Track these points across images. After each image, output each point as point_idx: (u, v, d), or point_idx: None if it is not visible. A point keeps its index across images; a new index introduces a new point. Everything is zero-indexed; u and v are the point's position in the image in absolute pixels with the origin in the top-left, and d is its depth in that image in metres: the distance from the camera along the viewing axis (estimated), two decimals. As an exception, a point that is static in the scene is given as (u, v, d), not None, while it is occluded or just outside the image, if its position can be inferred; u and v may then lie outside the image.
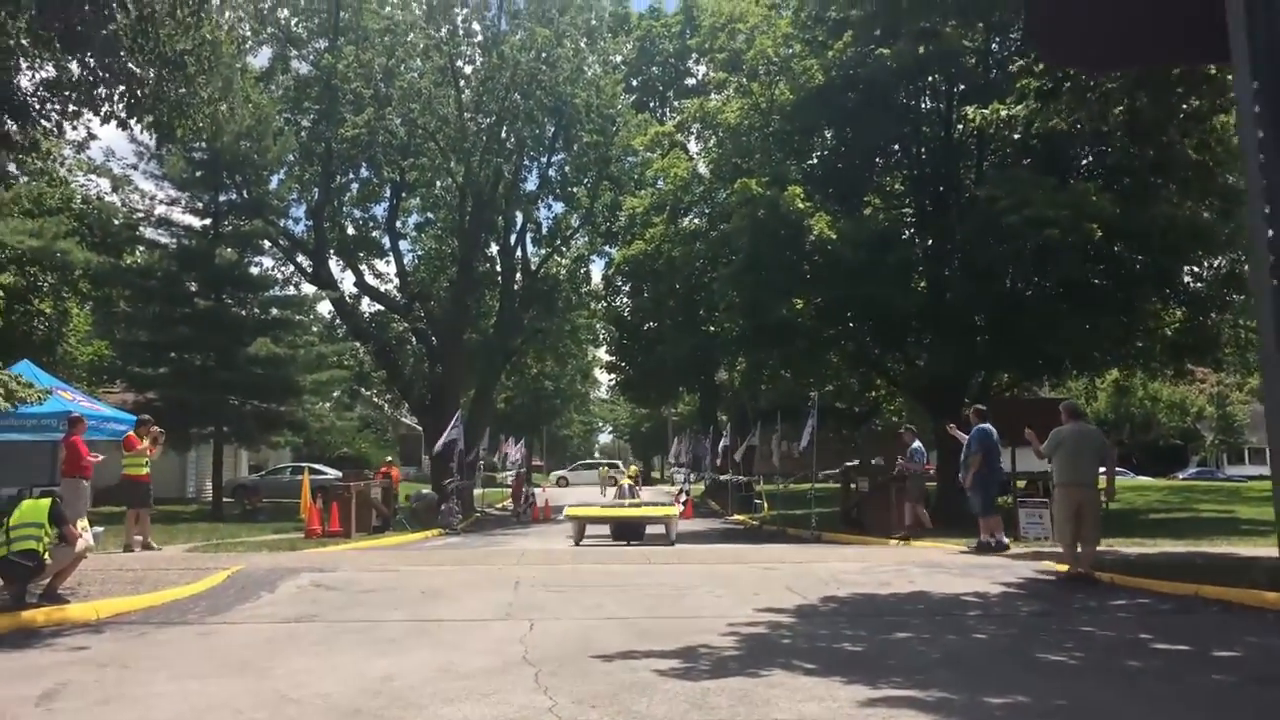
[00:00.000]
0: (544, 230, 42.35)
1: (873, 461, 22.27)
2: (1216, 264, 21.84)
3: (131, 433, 16.65)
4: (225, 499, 29.18)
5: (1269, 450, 1.15)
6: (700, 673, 6.79)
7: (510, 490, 36.04)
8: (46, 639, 8.39)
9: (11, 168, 22.99)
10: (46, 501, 9.47)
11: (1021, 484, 19.68)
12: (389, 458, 28.81)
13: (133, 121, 12.24)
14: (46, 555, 9.28)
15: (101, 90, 11.95)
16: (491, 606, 9.77)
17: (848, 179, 23.40)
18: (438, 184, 39.58)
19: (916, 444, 18.74)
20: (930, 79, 22.70)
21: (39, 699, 6.20)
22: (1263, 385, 1.12)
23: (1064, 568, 12.01)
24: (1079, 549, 11.63)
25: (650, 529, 19.54)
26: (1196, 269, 21.92)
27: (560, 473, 68.18)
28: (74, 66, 11.82)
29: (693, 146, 34.45)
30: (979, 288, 21.37)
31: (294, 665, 7.20)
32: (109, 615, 9.37)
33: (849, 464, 24.60)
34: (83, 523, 14.49)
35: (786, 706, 5.86)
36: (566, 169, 40.40)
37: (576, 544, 18.66)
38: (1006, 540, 15.25)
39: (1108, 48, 1.31)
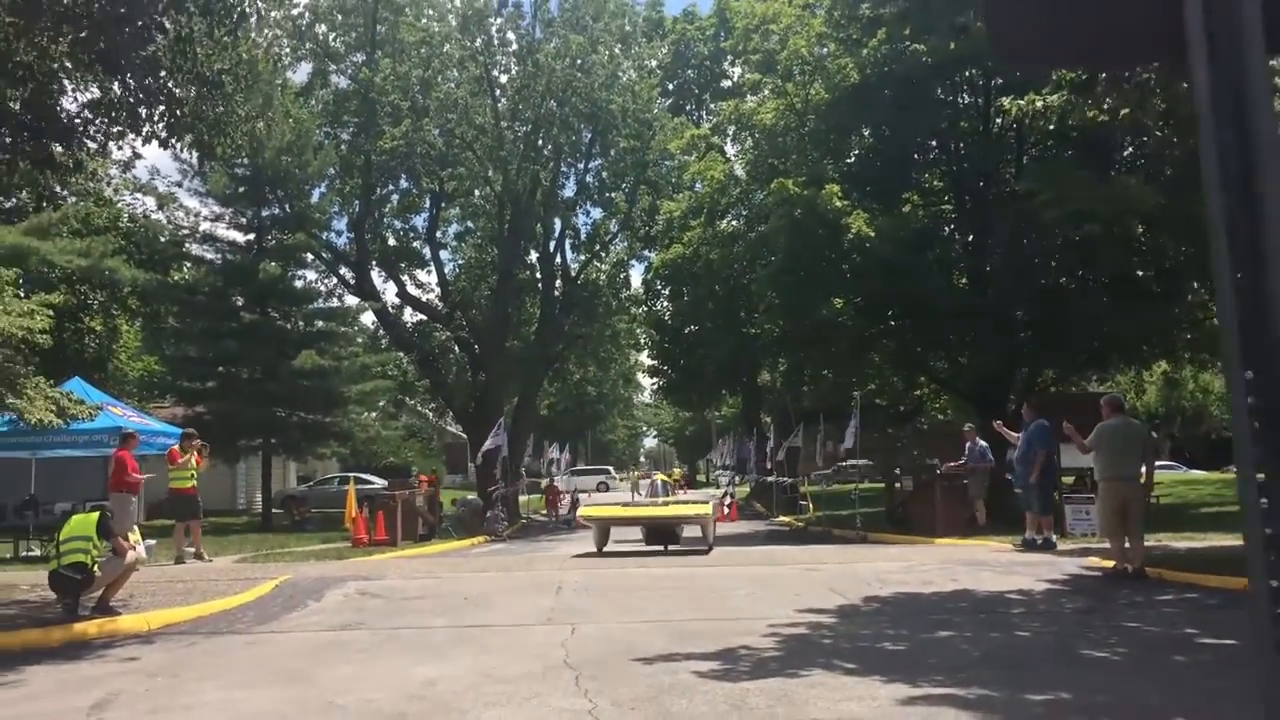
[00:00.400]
0: (583, 236, 42.50)
1: (930, 461, 21.95)
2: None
3: (175, 446, 16.86)
4: (274, 510, 29.55)
5: (1235, 457, 1.16)
6: (740, 674, 6.81)
7: (545, 498, 35.56)
8: (98, 650, 8.56)
9: (58, 189, 23.45)
10: (94, 515, 9.66)
11: (1069, 480, 19.49)
12: (414, 467, 28.75)
13: (173, 141, 12.47)
14: (95, 568, 9.47)
15: (142, 110, 12.18)
16: (533, 612, 9.83)
17: (885, 177, 23.27)
18: (476, 193, 39.84)
19: (981, 442, 18.63)
20: (967, 73, 22.53)
21: (90, 709, 6.33)
22: (1229, 391, 1.14)
23: (1110, 564, 11.88)
24: (1126, 544, 11.50)
25: (686, 530, 17.27)
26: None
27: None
28: (115, 88, 12.06)
29: (729, 149, 34.45)
30: (1021, 283, 21.18)
31: (339, 672, 7.30)
32: (159, 626, 9.54)
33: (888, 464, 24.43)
34: (135, 536, 14.77)
35: (826, 706, 5.87)
36: (604, 174, 40.53)
37: (600, 550, 16.63)
38: (1054, 538, 15.10)
39: (1067, 47, 1.32)
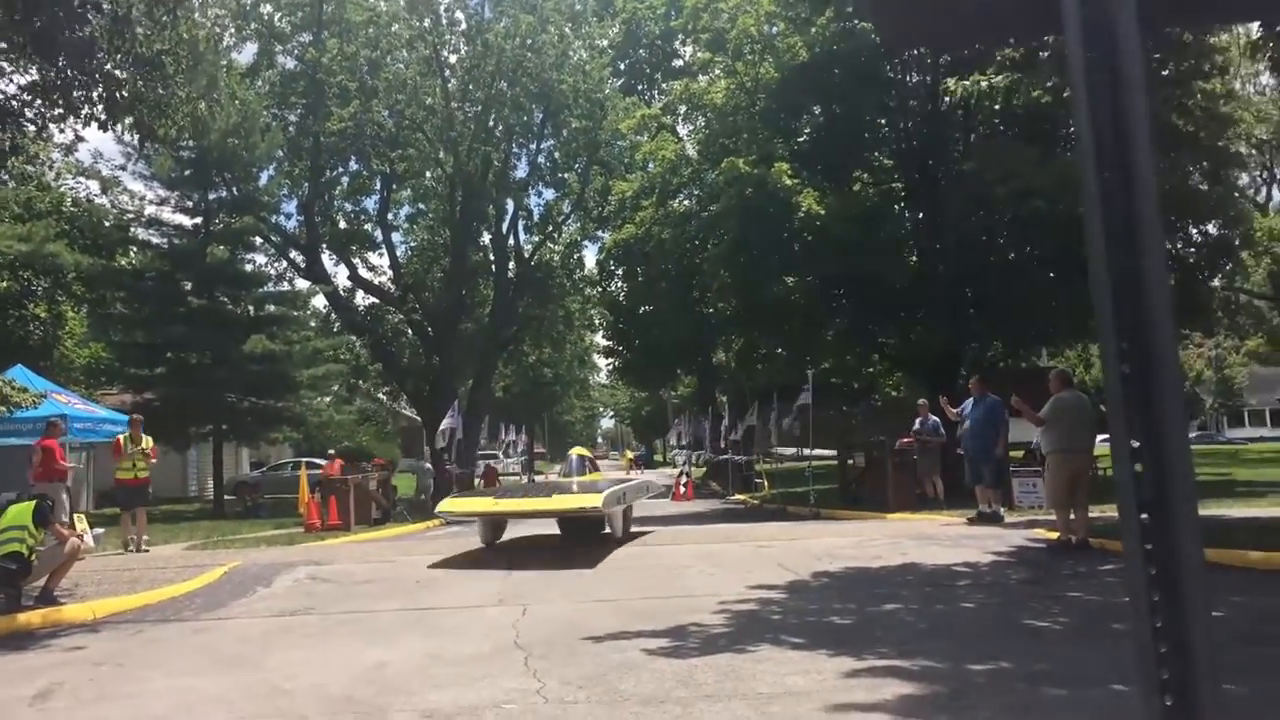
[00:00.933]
0: (535, 217, 42.37)
1: (880, 438, 22.14)
2: (1205, 229, 21.85)
3: (121, 436, 16.78)
4: (227, 496, 29.28)
5: (1110, 426, 1.19)
6: (689, 651, 6.86)
7: (484, 480, 33.17)
8: (42, 640, 8.46)
9: (-2, 173, 23.01)
10: (30, 504, 9.53)
11: (1018, 455, 19.76)
12: (330, 450, 27.87)
13: (113, 123, 12.28)
14: (33, 557, 9.36)
15: (80, 93, 11.98)
16: (484, 594, 9.84)
17: (835, 155, 23.36)
18: (427, 174, 39.58)
19: (932, 417, 18.82)
20: (916, 52, 22.65)
21: (33, 699, 6.27)
22: (1104, 384, 1.17)
23: (1055, 535, 12.09)
24: (1072, 516, 11.71)
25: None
26: (1185, 235, 21.91)
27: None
28: (51, 72, 11.84)
29: (681, 129, 34.43)
30: (970, 260, 21.39)
31: (288, 657, 7.27)
32: (105, 615, 9.45)
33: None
34: (81, 524, 14.60)
35: (772, 680, 5.93)
36: (556, 155, 40.41)
37: (487, 544, 13.80)
38: (1002, 511, 15.33)
39: (946, 27, 1.34)
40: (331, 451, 27.00)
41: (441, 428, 26.86)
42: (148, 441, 16.56)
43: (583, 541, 13.60)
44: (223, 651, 7.70)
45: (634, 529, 16.42)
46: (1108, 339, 1.13)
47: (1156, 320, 1.13)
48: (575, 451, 19.54)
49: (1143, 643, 1.13)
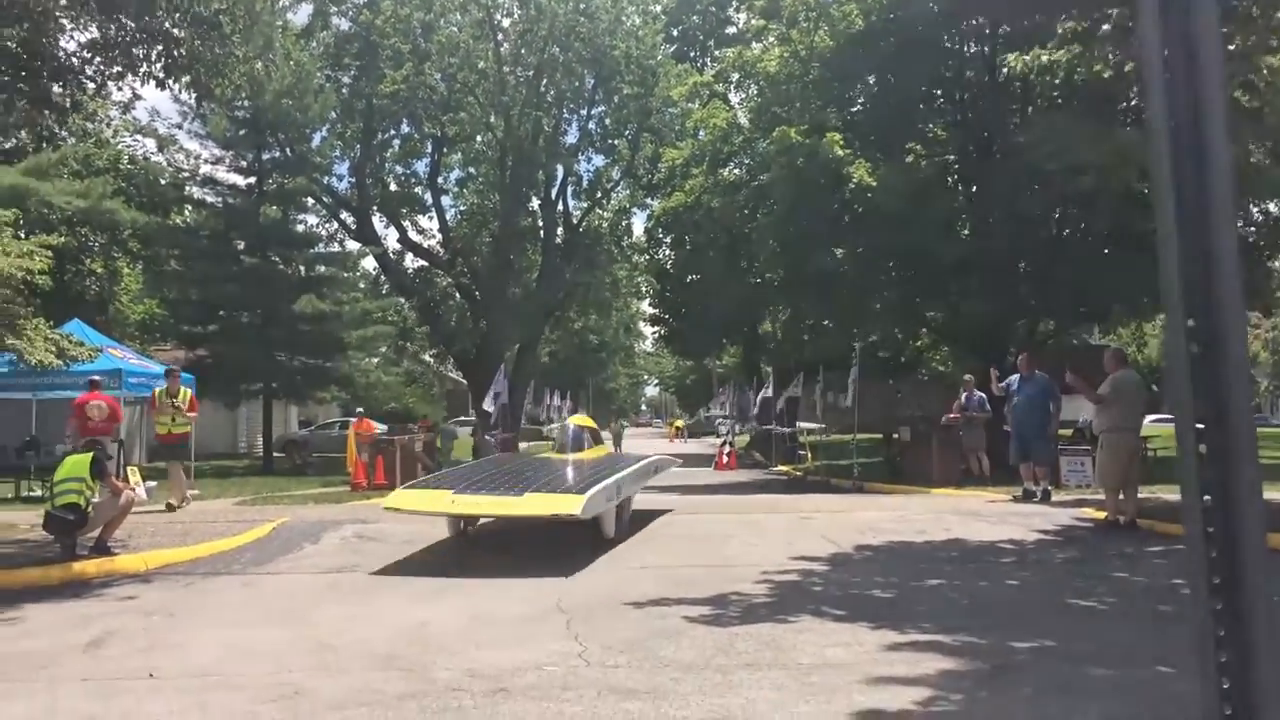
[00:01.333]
0: (584, 184, 42.32)
1: (919, 413, 22.04)
2: (1266, 208, 21.39)
3: (156, 390, 16.44)
4: (276, 454, 29.70)
5: (1176, 427, 1.17)
6: (729, 619, 6.89)
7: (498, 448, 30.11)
8: (96, 589, 8.66)
9: (56, 129, 23.31)
10: (87, 456, 9.73)
11: (1067, 433, 19.57)
12: (359, 409, 27.81)
13: (171, 81, 12.41)
14: (89, 509, 9.56)
15: (139, 50, 12.11)
16: (528, 556, 9.92)
17: (889, 126, 23.06)
18: (478, 139, 39.62)
19: (978, 392, 18.66)
20: (974, 21, 22.27)
21: (86, 646, 6.42)
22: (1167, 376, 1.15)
23: (1103, 515, 11.97)
24: (1120, 496, 11.59)
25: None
26: (1245, 214, 21.46)
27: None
28: (112, 28, 11.98)
29: (733, 97, 34.15)
30: (1022, 235, 21.10)
31: (334, 614, 7.39)
32: (157, 566, 9.64)
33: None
34: (135, 478, 14.90)
35: (812, 651, 5.94)
36: (606, 121, 40.28)
37: (463, 533, 11.20)
38: (1050, 489, 15.19)
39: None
40: (360, 410, 27.11)
41: (493, 393, 26.99)
42: (184, 394, 15.62)
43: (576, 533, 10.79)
44: (271, 606, 7.83)
45: (669, 498, 16.35)
46: (1175, 318, 1.11)
47: (1226, 301, 1.11)
48: (574, 421, 15.72)
49: (1202, 625, 1.12)
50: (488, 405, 27.03)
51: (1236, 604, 1.11)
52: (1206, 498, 1.12)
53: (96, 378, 16.10)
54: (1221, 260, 1.11)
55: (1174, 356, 1.12)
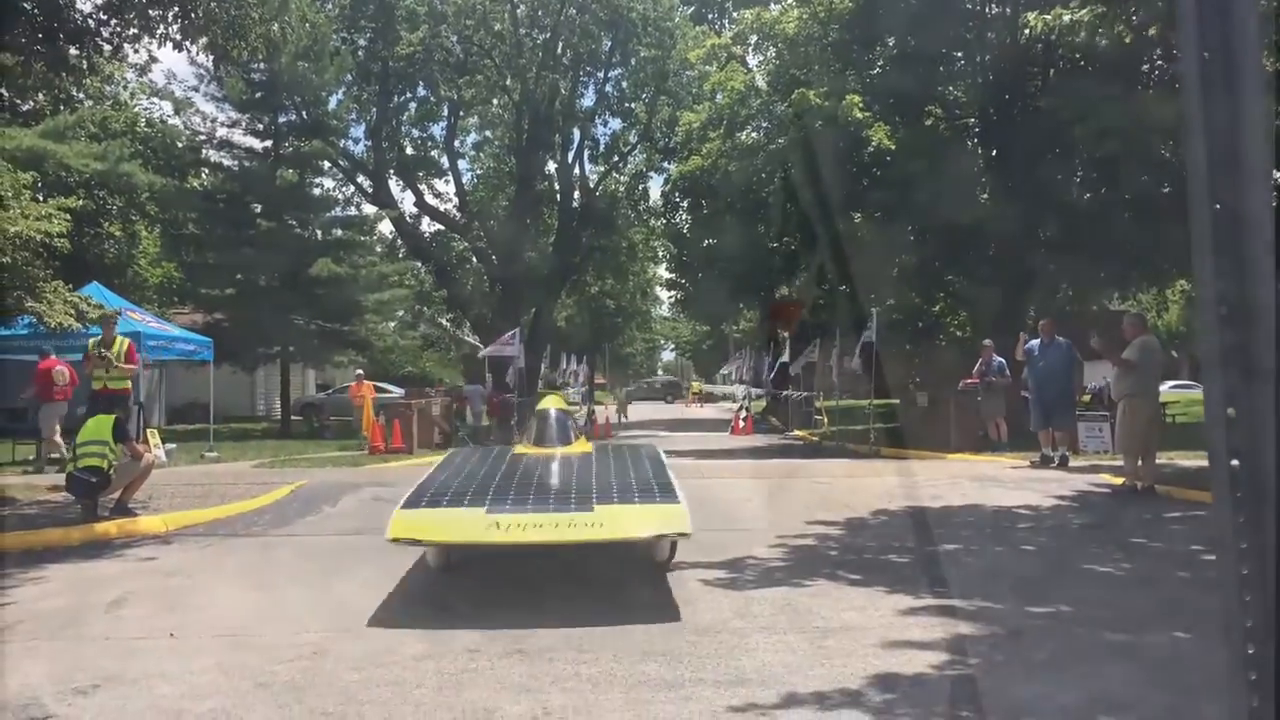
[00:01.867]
0: (601, 147, 42.11)
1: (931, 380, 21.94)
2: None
3: (91, 341, 13.53)
4: (293, 417, 29.86)
5: (1205, 390, 1.15)
6: (745, 583, 6.91)
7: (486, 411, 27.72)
8: (117, 550, 8.74)
9: (74, 92, 23.31)
10: (110, 419, 9.80)
11: (1086, 399, 19.46)
12: (358, 371, 27.59)
13: (188, 43, 12.36)
14: (111, 471, 9.63)
15: (155, 12, 12.06)
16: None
17: (908, 89, 22.80)
18: (494, 102, 39.46)
19: (997, 358, 18.57)
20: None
21: (108, 606, 6.49)
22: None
23: (1120, 481, 11.93)
24: (1139, 462, 11.56)
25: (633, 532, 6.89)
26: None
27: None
28: (128, -11, 11.92)
29: (751, 59, 33.86)
30: (1042, 199, 20.91)
31: (353, 575, 7.43)
32: (177, 528, 9.72)
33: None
34: (154, 439, 15.00)
35: (827, 615, 5.95)
36: (624, 84, 40.01)
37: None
38: (1069, 454, 15.14)
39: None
40: (359, 372, 26.96)
41: (489, 351, 26.99)
42: (120, 344, 12.90)
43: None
44: (290, 567, 7.90)
45: (686, 462, 16.40)
46: (1205, 279, 1.09)
47: (1259, 261, 1.09)
48: (550, 403, 11.17)
49: (1228, 589, 1.11)
50: (483, 355, 26.95)
51: (1263, 568, 1.09)
52: (1234, 462, 1.10)
53: (46, 347, 16.16)
54: (1253, 220, 1.09)
55: (1204, 318, 1.10)
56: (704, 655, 5.09)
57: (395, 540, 6.49)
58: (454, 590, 6.80)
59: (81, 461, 9.52)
